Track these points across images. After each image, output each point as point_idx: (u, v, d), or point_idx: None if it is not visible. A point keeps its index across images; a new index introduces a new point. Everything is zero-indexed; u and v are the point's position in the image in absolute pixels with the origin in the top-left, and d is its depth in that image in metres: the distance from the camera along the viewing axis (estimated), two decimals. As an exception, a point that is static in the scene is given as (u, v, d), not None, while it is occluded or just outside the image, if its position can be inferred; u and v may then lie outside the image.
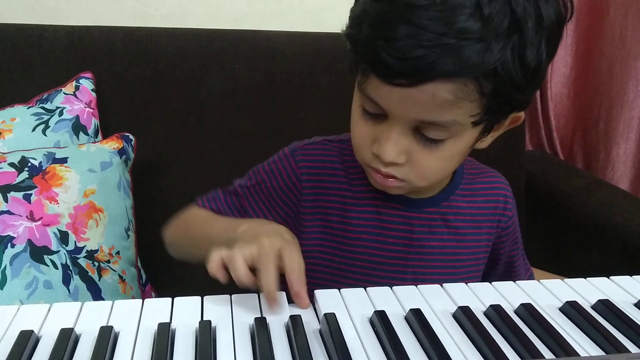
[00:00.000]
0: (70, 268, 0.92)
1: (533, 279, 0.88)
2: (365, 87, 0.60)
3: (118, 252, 1.00)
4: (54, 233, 0.92)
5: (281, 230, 0.64)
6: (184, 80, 1.26)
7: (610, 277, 0.69)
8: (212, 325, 0.55)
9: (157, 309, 0.58)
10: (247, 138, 1.28)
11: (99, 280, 0.95)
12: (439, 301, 0.62)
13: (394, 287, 0.64)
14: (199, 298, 0.60)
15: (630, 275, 0.69)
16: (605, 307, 0.61)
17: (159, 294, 1.21)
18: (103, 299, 0.95)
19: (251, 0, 1.48)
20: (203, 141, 1.27)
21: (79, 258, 0.93)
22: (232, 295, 0.61)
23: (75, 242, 0.93)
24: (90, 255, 0.95)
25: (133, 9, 1.44)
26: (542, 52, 0.56)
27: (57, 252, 0.91)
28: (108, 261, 0.97)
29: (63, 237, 0.92)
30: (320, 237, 0.76)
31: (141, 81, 1.24)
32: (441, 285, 0.65)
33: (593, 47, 1.44)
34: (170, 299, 0.60)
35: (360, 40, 0.57)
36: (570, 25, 1.46)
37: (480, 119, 0.59)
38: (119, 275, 0.99)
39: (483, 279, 0.85)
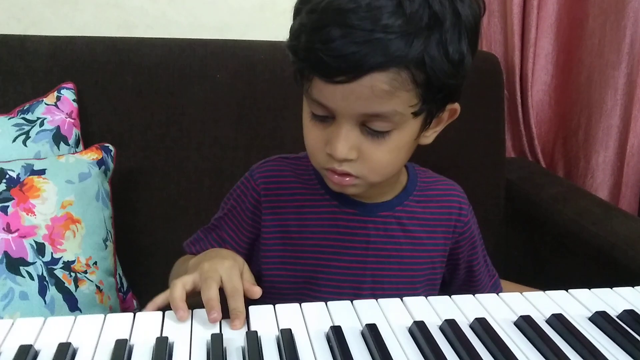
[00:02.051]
0: (47, 279, 0.93)
1: (498, 285, 0.90)
2: (311, 92, 0.65)
3: (95, 263, 1.01)
4: (31, 245, 0.93)
5: (224, 254, 0.68)
6: (165, 89, 1.27)
7: (569, 291, 0.70)
8: (170, 341, 0.56)
9: (118, 324, 0.60)
10: (228, 147, 1.29)
11: (76, 291, 0.96)
12: (396, 315, 0.63)
13: (354, 302, 0.65)
14: (160, 313, 0.62)
15: (606, 287, 0.70)
16: (559, 321, 0.62)
17: (141, 302, 1.23)
18: (80, 310, 0.96)
19: (235, 10, 1.49)
20: (185, 150, 1.28)
21: (55, 269, 0.94)
22: (193, 310, 0.62)
23: (51, 253, 0.95)
24: (67, 266, 0.96)
25: (117, 18, 1.45)
26: (463, 46, 0.63)
27: (34, 263, 0.92)
28: (85, 272, 0.98)
29: (39, 249, 0.94)
30: (282, 249, 0.78)
31: (123, 91, 1.25)
32: (401, 299, 0.66)
33: (573, 56, 1.45)
34: (132, 314, 0.61)
35: (300, 48, 0.63)
36: (550, 34, 1.48)
37: (420, 109, 0.65)
38: (96, 285, 1.00)
39: (446, 287, 0.88)
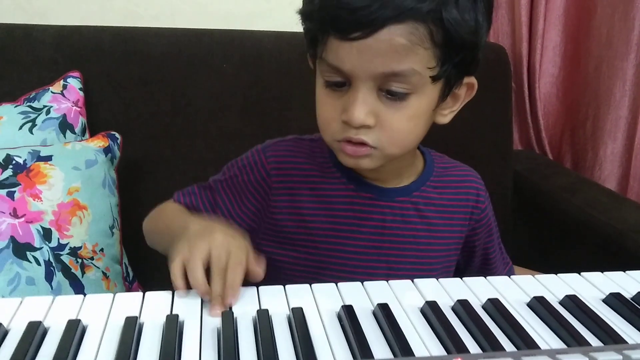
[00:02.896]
0: (53, 265, 0.93)
1: (512, 272, 0.89)
2: (326, 56, 0.64)
3: (102, 249, 1.01)
4: (37, 230, 0.93)
5: (229, 230, 0.66)
6: (171, 79, 1.27)
7: (582, 274, 0.69)
8: (180, 319, 0.56)
9: (128, 303, 0.59)
10: (234, 137, 1.29)
11: (82, 277, 0.95)
12: (408, 296, 0.62)
13: (365, 283, 0.64)
14: (170, 292, 0.61)
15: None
16: (572, 302, 0.61)
17: (146, 289, 1.22)
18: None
19: (241, 0, 1.49)
20: (190, 140, 1.27)
21: (62, 255, 0.94)
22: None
23: (58, 239, 0.94)
24: (74, 252, 0.95)
25: (123, 8, 1.45)
26: (479, 14, 0.63)
27: (40, 248, 0.92)
28: (91, 258, 0.98)
29: (46, 234, 0.93)
30: (294, 231, 0.77)
31: (129, 80, 1.25)
32: (412, 281, 0.66)
33: (581, 48, 1.44)
34: (141, 293, 0.61)
35: (314, 9, 0.63)
36: (558, 26, 1.47)
37: (438, 73, 0.64)
38: (103, 272, 0.99)
39: (460, 273, 0.87)
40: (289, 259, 0.78)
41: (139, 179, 1.25)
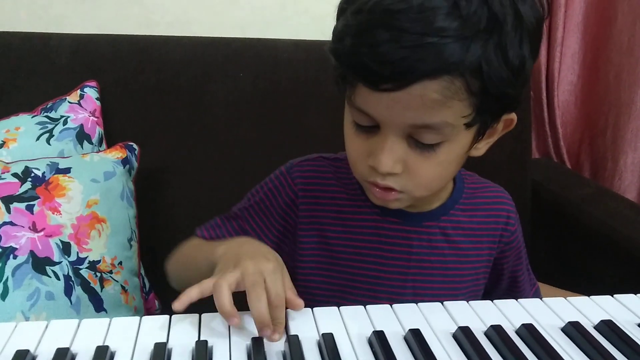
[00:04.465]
0: (72, 279, 0.92)
1: (539, 294, 0.87)
2: (355, 99, 0.61)
3: (120, 263, 1.00)
4: (56, 244, 0.92)
5: (264, 251, 0.64)
6: (188, 88, 1.26)
7: (615, 296, 0.68)
8: (209, 344, 0.55)
9: (155, 326, 0.58)
10: (251, 146, 1.28)
11: (101, 291, 0.95)
12: (439, 320, 0.61)
13: (394, 305, 0.63)
14: (197, 316, 0.60)
15: (636, 293, 0.68)
16: (608, 327, 0.60)
17: (163, 303, 1.21)
18: (105, 310, 0.95)
19: (256, 7, 1.48)
20: (207, 149, 1.27)
21: (81, 269, 0.93)
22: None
23: (77, 252, 0.93)
24: (93, 265, 0.95)
25: (139, 16, 1.44)
26: (525, 50, 0.57)
27: (59, 263, 0.91)
28: (110, 272, 0.97)
29: (65, 248, 0.93)
30: (318, 254, 0.76)
31: (145, 89, 1.24)
32: (442, 304, 0.64)
33: (601, 55, 1.43)
34: (168, 316, 0.60)
35: (344, 52, 0.58)
36: (577, 33, 1.45)
37: (473, 120, 0.60)
38: (122, 285, 0.99)
39: (487, 295, 0.84)
40: (312, 282, 0.76)
41: (155, 189, 1.24)
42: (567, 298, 0.66)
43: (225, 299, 0.55)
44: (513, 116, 0.66)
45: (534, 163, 1.47)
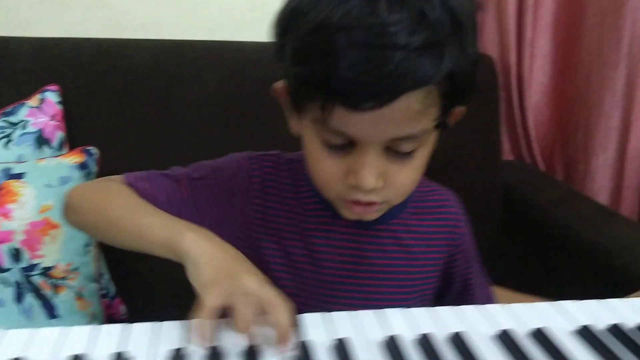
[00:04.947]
0: (24, 286, 0.91)
1: (492, 297, 0.87)
2: (329, 122, 0.58)
3: (76, 269, 0.99)
4: (7, 250, 0.91)
5: (251, 269, 0.60)
6: (153, 91, 1.25)
7: (558, 302, 0.66)
8: (131, 356, 0.54)
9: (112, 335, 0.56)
10: (218, 149, 1.23)
11: (54, 298, 0.93)
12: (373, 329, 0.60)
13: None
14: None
15: (600, 299, 0.67)
16: (540, 336, 0.59)
17: (130, 306, 1.20)
18: (59, 317, 0.94)
19: (225, 10, 1.47)
20: (174, 152, 1.26)
21: (32, 275, 0.92)
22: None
23: (29, 259, 0.92)
24: (45, 272, 0.93)
25: (106, 19, 1.43)
26: (476, 44, 0.59)
27: (9, 269, 0.90)
28: (64, 278, 0.96)
29: (16, 254, 0.91)
30: (270, 253, 0.74)
31: (111, 93, 1.23)
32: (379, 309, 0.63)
33: (571, 56, 1.42)
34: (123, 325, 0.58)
35: (314, 74, 0.55)
36: (548, 34, 1.45)
37: (441, 120, 0.61)
38: (77, 292, 0.97)
39: (439, 299, 0.84)
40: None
41: (120, 193, 1.23)
42: (503, 305, 0.65)
43: (244, 325, 0.53)
44: (464, 109, 0.67)
45: (506, 165, 1.46)
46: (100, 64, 1.23)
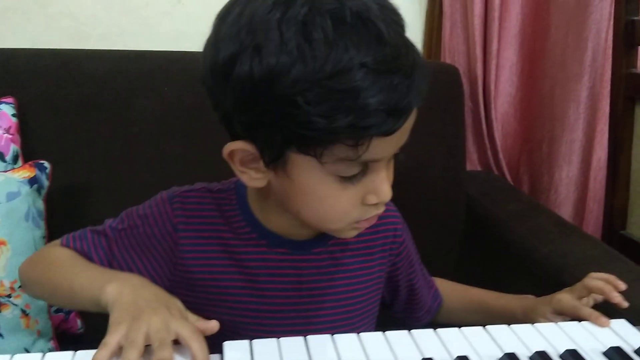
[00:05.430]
0: (-36, 304, 0.90)
1: (438, 295, 0.89)
2: (363, 155, 0.58)
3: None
4: (-53, 268, 0.90)
5: (163, 297, 0.61)
6: (111, 103, 1.24)
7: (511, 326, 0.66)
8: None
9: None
10: (177, 162, 1.26)
11: (-3, 316, 0.92)
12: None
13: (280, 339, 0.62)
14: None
15: None
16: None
17: (87, 320, 1.19)
18: (1, 336, 0.93)
19: (191, 19, 1.46)
20: (132, 165, 1.24)
21: (-26, 294, 0.91)
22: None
23: (-30, 277, 0.91)
24: (-12, 290, 0.92)
25: (69, 29, 1.42)
26: None
27: (-51, 288, 0.89)
28: (9, 295, 0.95)
29: (-43, 273, 0.90)
30: (207, 290, 0.73)
31: (67, 104, 1.22)
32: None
33: (536, 68, 1.41)
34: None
35: (348, 121, 0.55)
36: (514, 45, 1.44)
37: None
38: (22, 309, 0.96)
39: (388, 308, 0.86)
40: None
41: (77, 206, 1.22)
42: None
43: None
44: None
45: (473, 176, 1.46)
46: (57, 75, 1.22)
